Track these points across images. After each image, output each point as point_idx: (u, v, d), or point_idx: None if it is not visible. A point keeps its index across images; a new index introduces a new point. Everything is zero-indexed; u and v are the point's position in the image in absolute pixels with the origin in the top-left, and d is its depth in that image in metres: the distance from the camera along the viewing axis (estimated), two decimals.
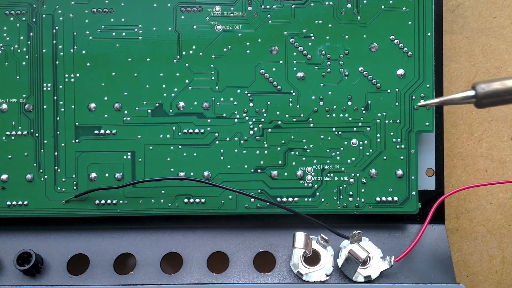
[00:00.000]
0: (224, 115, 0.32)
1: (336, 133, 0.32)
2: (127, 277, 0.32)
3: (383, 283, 0.30)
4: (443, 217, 0.33)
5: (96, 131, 0.32)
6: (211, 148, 0.32)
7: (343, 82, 0.32)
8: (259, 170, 0.32)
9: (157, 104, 0.32)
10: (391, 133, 0.32)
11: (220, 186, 0.31)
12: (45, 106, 0.32)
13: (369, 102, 0.32)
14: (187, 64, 0.32)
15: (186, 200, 0.32)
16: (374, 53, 0.32)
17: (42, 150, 0.32)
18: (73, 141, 0.32)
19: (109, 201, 0.32)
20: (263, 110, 0.32)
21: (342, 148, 0.32)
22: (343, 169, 0.32)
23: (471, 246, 0.34)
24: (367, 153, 0.32)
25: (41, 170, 0.32)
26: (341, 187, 0.32)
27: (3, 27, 0.32)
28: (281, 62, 0.32)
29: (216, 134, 0.32)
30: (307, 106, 0.32)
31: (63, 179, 0.32)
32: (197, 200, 0.32)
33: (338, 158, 0.32)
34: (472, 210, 0.34)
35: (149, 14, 0.32)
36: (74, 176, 0.32)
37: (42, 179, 0.32)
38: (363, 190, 0.32)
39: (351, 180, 0.32)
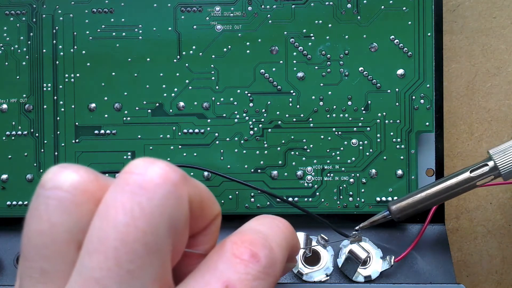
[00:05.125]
0: (224, 115, 0.32)
1: (336, 133, 0.32)
2: None
3: (383, 283, 0.30)
4: (443, 217, 0.33)
5: (96, 131, 0.32)
6: (211, 148, 0.32)
7: (343, 82, 0.32)
8: (259, 170, 0.32)
9: (157, 104, 0.32)
10: (391, 133, 0.32)
11: (225, 176, 0.31)
12: (45, 106, 0.32)
13: (369, 102, 0.32)
14: (187, 64, 0.32)
15: None
16: (374, 53, 0.32)
17: (42, 150, 0.32)
18: (73, 141, 0.32)
19: None
20: (263, 110, 0.32)
21: (342, 148, 0.32)
22: (343, 169, 0.32)
23: (471, 246, 0.34)
24: (367, 153, 0.32)
25: (41, 170, 0.32)
26: (341, 187, 0.32)
27: (3, 27, 0.32)
28: (281, 62, 0.32)
29: (216, 134, 0.32)
30: (307, 106, 0.32)
31: None
32: None
33: (338, 158, 0.32)
34: (472, 210, 0.34)
35: (149, 14, 0.32)
36: None
37: None
38: (363, 190, 0.32)
39: (351, 180, 0.32)
